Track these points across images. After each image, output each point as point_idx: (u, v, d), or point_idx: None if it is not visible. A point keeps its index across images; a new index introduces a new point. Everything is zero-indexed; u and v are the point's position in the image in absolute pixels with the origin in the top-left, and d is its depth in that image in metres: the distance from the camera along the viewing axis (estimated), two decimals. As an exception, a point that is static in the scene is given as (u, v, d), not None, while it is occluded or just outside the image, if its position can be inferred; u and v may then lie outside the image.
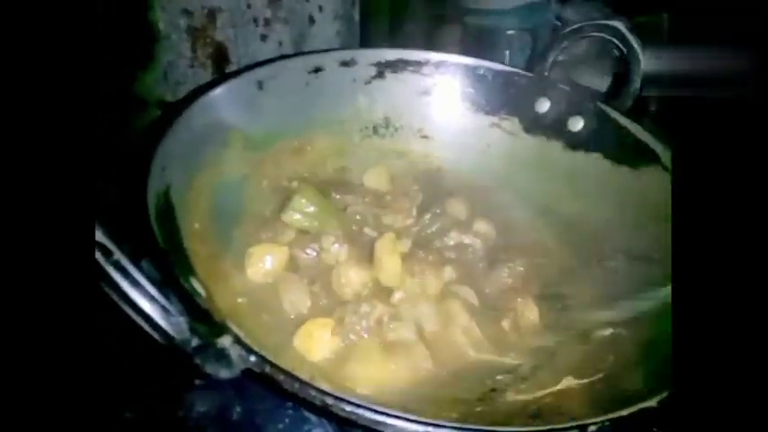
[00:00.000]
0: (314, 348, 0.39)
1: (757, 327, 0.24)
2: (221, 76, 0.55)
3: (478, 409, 0.37)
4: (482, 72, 0.56)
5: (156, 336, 0.25)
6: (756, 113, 0.27)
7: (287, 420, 0.40)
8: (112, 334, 0.30)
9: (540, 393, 0.38)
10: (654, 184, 0.47)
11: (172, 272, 0.30)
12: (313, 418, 0.40)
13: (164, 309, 0.25)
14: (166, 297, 0.26)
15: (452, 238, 0.50)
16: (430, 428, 0.27)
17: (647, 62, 0.50)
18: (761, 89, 0.27)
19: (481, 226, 0.51)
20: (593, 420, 0.29)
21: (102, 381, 0.25)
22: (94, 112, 0.26)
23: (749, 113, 0.27)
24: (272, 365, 0.28)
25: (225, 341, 0.27)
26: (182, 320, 0.25)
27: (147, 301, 0.25)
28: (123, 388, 0.39)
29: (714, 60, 0.29)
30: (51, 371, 0.22)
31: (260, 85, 0.50)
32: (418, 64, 0.56)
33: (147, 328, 0.25)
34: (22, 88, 0.24)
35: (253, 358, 0.27)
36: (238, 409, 0.40)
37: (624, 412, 0.30)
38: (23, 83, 0.24)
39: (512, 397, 0.39)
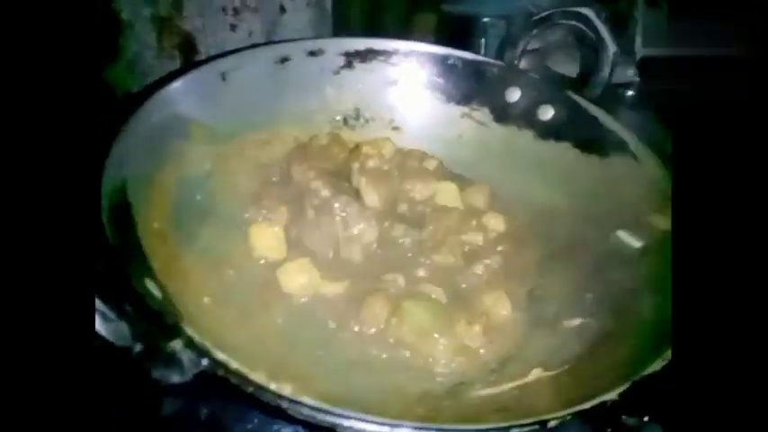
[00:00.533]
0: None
1: (757, 320, 0.24)
2: (183, 68, 0.53)
3: (446, 403, 0.37)
4: (452, 61, 0.56)
5: (94, 342, 0.24)
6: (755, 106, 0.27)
7: (256, 420, 0.39)
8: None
9: (507, 386, 0.38)
10: (623, 173, 0.47)
11: (123, 273, 0.29)
12: (282, 418, 0.39)
13: (102, 314, 0.24)
14: (113, 302, 0.25)
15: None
16: (386, 428, 0.26)
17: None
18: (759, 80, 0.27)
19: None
20: (554, 415, 0.29)
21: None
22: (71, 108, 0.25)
23: (748, 106, 0.27)
24: (226, 369, 0.27)
25: (176, 345, 0.26)
26: (124, 325, 0.24)
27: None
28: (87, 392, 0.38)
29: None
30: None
31: (223, 76, 0.48)
32: (387, 53, 0.55)
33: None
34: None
35: (205, 362, 0.27)
36: (205, 410, 0.40)
37: (586, 405, 0.30)
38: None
39: (480, 390, 0.38)
